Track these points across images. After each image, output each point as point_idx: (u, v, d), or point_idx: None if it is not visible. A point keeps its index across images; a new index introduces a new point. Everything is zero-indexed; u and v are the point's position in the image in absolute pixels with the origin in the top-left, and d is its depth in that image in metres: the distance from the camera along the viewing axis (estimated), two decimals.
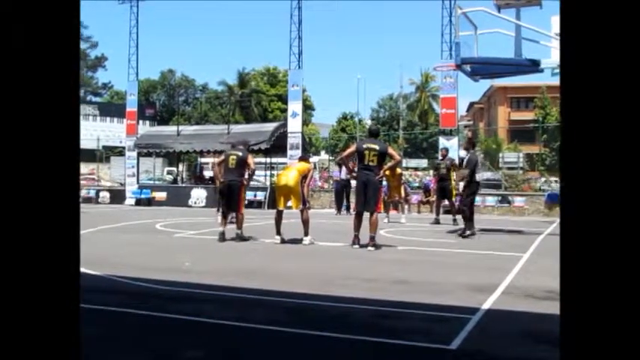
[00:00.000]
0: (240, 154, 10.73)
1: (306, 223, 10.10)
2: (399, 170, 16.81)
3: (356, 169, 10.02)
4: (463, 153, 12.74)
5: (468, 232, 11.29)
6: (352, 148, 10.11)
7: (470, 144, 12.16)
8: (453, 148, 21.77)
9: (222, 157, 11.18)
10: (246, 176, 10.75)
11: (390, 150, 9.92)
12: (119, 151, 43.66)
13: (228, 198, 10.61)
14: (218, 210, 11.95)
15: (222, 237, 10.43)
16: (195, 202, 24.88)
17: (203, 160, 35.08)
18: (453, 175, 15.51)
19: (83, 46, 71.50)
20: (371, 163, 9.49)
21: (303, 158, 11.23)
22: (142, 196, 26.67)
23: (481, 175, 11.52)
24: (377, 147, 9.57)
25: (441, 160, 16.09)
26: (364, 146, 9.64)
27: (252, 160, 10.89)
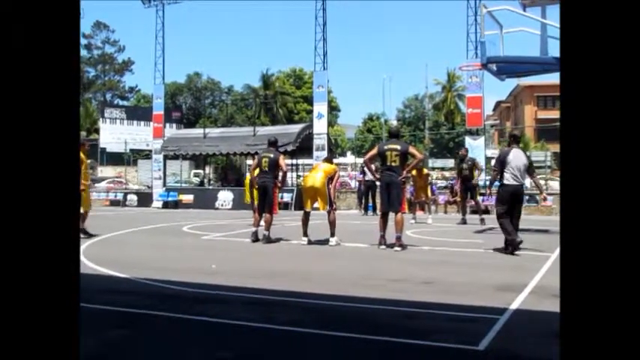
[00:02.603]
0: (272, 155, 10.73)
1: (332, 224, 10.13)
2: (425, 170, 16.78)
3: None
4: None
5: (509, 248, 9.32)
6: (374, 151, 10.08)
7: (509, 138, 10.80)
8: (479, 147, 21.64)
9: (256, 160, 11.19)
10: (279, 178, 10.78)
11: (411, 149, 9.87)
12: (146, 154, 44.03)
13: (262, 199, 10.68)
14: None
15: (255, 237, 10.53)
16: (222, 205, 25.00)
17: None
18: (476, 175, 15.37)
19: (110, 49, 72.52)
20: (393, 164, 9.51)
21: (328, 159, 11.24)
22: (169, 198, 26.89)
23: (507, 178, 9.75)
24: (398, 147, 9.60)
25: (461, 161, 15.87)
26: (385, 147, 9.68)
27: (283, 161, 10.88)
